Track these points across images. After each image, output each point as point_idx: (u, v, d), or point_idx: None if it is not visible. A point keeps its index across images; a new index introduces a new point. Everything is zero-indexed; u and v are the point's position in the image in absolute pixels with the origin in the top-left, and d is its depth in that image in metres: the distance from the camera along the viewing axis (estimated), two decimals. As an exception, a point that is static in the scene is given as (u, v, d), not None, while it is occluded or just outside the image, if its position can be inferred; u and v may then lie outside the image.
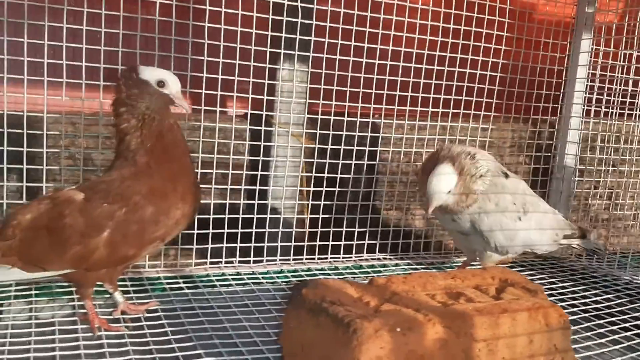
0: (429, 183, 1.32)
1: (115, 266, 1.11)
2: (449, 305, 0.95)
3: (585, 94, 1.93)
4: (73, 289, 1.25)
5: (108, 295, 1.21)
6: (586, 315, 1.35)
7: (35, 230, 1.04)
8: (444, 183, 1.33)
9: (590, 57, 1.91)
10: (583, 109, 1.94)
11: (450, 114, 1.76)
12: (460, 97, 1.76)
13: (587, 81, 1.92)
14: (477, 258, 1.52)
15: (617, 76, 1.92)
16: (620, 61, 1.91)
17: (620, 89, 1.94)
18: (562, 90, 1.96)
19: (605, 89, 1.93)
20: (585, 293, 1.52)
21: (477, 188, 1.36)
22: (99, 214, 1.04)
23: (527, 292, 1.06)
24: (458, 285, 1.06)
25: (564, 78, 1.95)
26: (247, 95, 1.50)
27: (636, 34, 1.84)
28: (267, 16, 1.48)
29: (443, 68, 1.70)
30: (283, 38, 1.49)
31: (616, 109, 1.94)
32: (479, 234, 1.41)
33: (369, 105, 1.66)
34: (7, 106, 1.30)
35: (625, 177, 2.11)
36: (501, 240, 1.42)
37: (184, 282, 1.40)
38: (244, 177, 1.56)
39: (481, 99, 1.79)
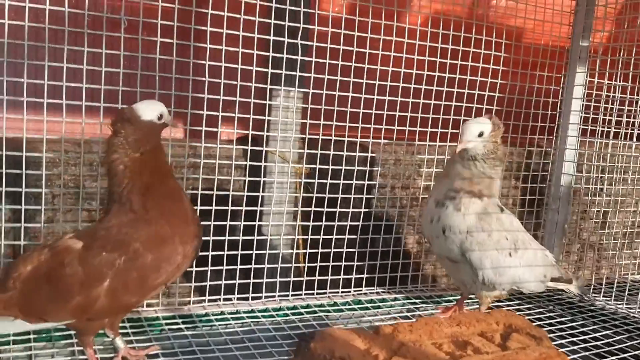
0: (464, 124, 1.38)
1: (117, 314, 1.10)
2: (457, 356, 0.95)
3: (580, 125, 1.95)
4: (72, 332, 1.23)
5: (107, 339, 1.20)
6: (587, 353, 1.36)
7: (35, 282, 1.02)
8: (477, 125, 1.37)
9: (585, 89, 1.93)
10: (577, 141, 1.96)
11: (447, 147, 1.77)
12: (457, 131, 1.76)
13: (582, 113, 1.94)
14: (471, 291, 1.51)
15: (611, 107, 1.94)
16: (613, 93, 1.93)
17: (614, 119, 1.96)
18: (556, 122, 1.98)
19: (599, 121, 1.94)
20: (585, 329, 1.52)
21: (490, 173, 1.39)
22: (99, 262, 1.01)
23: (532, 339, 1.06)
24: (464, 332, 1.07)
25: (558, 110, 1.97)
26: (247, 132, 1.50)
27: (631, 67, 1.85)
28: (267, 54, 1.49)
29: (440, 102, 1.72)
30: (283, 75, 1.50)
31: (610, 139, 1.96)
32: (467, 263, 1.40)
33: (368, 140, 1.67)
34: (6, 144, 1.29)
35: (619, 206, 2.12)
36: (490, 274, 1.40)
37: (182, 322, 1.38)
38: (243, 213, 1.55)
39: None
